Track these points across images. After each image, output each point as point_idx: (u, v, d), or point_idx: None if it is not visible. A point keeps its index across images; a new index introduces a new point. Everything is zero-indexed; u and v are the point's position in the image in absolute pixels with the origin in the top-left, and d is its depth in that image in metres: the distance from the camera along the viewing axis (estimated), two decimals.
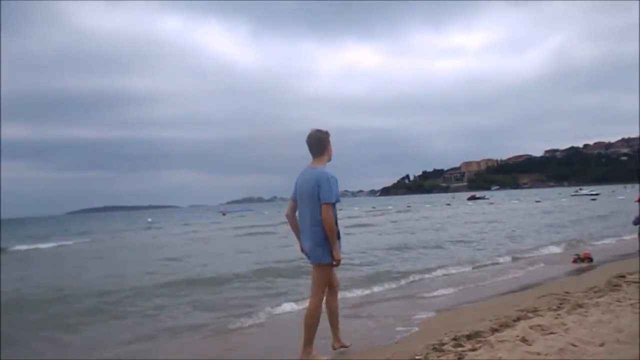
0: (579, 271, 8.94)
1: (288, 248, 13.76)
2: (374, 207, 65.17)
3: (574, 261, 9.71)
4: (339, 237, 4.20)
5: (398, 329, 5.60)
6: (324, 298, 4.35)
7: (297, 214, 4.44)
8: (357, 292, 8.03)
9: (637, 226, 10.62)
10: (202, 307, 7.63)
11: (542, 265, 10.08)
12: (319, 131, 4.39)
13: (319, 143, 4.36)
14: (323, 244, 4.14)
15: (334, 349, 4.52)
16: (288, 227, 4.61)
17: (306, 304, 4.49)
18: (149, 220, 64.30)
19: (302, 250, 4.37)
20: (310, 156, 4.37)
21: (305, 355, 4.22)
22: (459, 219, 29.12)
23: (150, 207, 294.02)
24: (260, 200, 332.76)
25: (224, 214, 71.86)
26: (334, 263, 4.20)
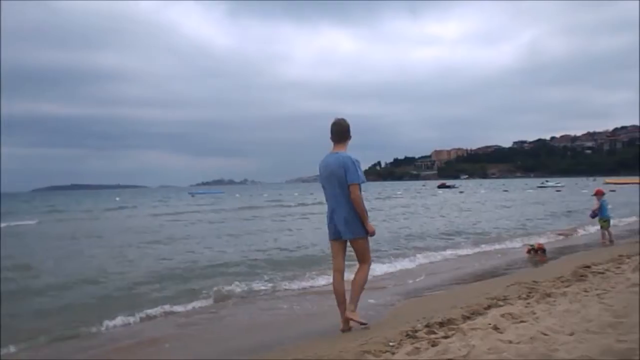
0: (537, 262, 9.16)
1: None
2: None
3: (528, 252, 9.90)
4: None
5: (369, 313, 5.64)
6: (342, 273, 4.82)
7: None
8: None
9: (595, 218, 11.02)
10: None
11: (500, 255, 10.32)
12: (345, 120, 4.83)
13: (345, 131, 4.80)
14: (356, 221, 4.62)
15: (346, 319, 4.81)
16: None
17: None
18: (117, 199, 63.12)
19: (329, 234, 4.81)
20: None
21: (349, 313, 4.71)
22: (429, 209, 29.49)
23: (118, 186, 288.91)
24: (231, 182, 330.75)
25: (192, 196, 70.99)
26: (370, 234, 4.73)
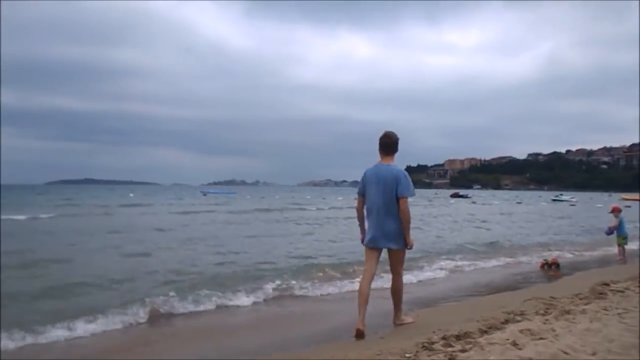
0: (550, 277, 9.03)
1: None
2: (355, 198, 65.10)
3: (542, 267, 9.77)
4: None
5: (383, 322, 5.59)
6: (372, 276, 5.05)
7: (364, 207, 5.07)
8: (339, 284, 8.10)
9: (611, 235, 10.85)
10: None
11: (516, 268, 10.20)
12: (394, 133, 5.05)
13: (395, 144, 5.05)
14: (399, 232, 4.84)
15: (395, 324, 5.25)
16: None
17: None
18: (131, 195, 63.58)
19: (367, 241, 5.00)
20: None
21: (397, 320, 5.20)
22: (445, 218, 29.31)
23: (131, 182, 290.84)
24: (243, 183, 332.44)
25: (204, 195, 71.27)
26: (409, 247, 4.95)
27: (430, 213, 31.80)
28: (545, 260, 9.94)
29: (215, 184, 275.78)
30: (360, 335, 4.82)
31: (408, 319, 5.31)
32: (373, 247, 4.96)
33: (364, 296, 4.88)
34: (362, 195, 5.08)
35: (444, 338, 4.05)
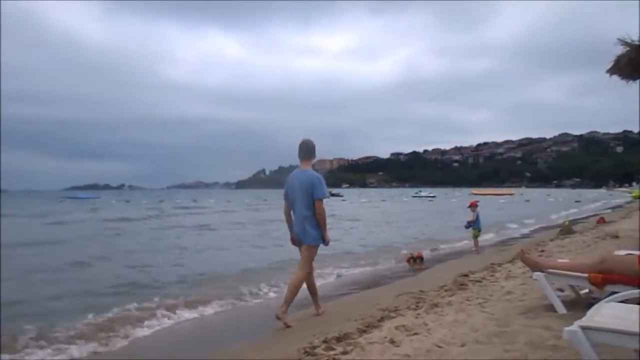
0: (416, 270, 9.66)
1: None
2: (229, 201, 64.28)
3: (407, 261, 10.35)
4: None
5: (260, 326, 5.53)
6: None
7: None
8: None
9: (469, 229, 11.96)
10: None
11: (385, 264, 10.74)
12: (311, 141, 5.68)
13: (311, 150, 5.66)
14: (314, 230, 5.35)
15: (318, 315, 5.70)
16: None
17: None
18: None
19: (293, 239, 5.56)
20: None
21: (281, 312, 5.26)
22: None
23: None
24: (107, 187, 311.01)
25: (62, 201, 65.30)
26: (325, 244, 5.49)
27: None
28: (410, 254, 10.56)
29: (75, 188, 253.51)
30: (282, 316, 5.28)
31: (286, 319, 5.34)
32: (298, 245, 5.50)
33: (308, 286, 5.61)
34: (286, 199, 5.59)
35: (325, 341, 4.06)
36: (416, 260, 10.25)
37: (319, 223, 5.35)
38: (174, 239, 17.14)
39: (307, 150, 5.60)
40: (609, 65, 4.74)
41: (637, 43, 4.11)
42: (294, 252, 5.99)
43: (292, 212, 5.54)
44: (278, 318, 5.28)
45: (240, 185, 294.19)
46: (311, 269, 5.58)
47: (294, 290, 5.35)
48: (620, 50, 4.41)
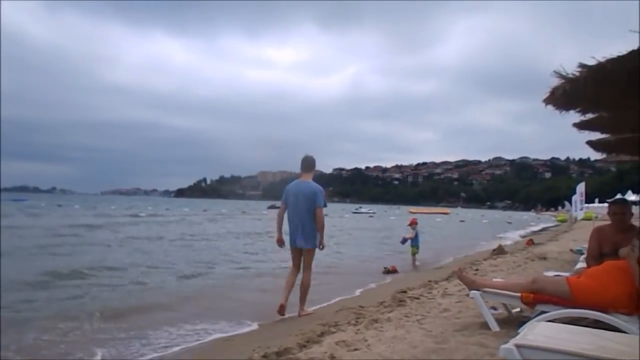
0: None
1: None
2: (167, 209, 62.55)
3: (383, 272, 10.83)
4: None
5: (193, 343, 5.38)
6: (298, 270, 6.32)
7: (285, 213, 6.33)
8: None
9: (404, 244, 12.29)
10: None
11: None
12: (312, 156, 6.50)
13: (312, 164, 6.46)
14: (315, 235, 6.12)
15: (300, 315, 6.24)
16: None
17: None
18: None
19: (279, 239, 6.37)
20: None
21: (301, 311, 6.29)
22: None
23: None
24: (36, 190, 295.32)
25: None
26: (321, 248, 6.27)
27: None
28: (385, 267, 11.06)
29: (2, 190, 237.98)
30: (282, 309, 6.11)
31: (309, 310, 6.43)
32: (294, 247, 6.22)
33: (288, 284, 6.26)
34: (284, 203, 6.33)
35: (264, 356, 4.00)
36: (390, 272, 10.81)
37: (318, 228, 6.12)
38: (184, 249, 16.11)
39: (308, 164, 6.42)
40: (545, 95, 4.97)
41: (570, 76, 4.35)
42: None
43: (286, 217, 6.30)
44: (304, 315, 6.20)
45: (180, 193, 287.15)
46: (295, 268, 6.32)
47: (306, 291, 6.31)
48: (556, 82, 4.63)
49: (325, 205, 6.20)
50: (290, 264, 6.52)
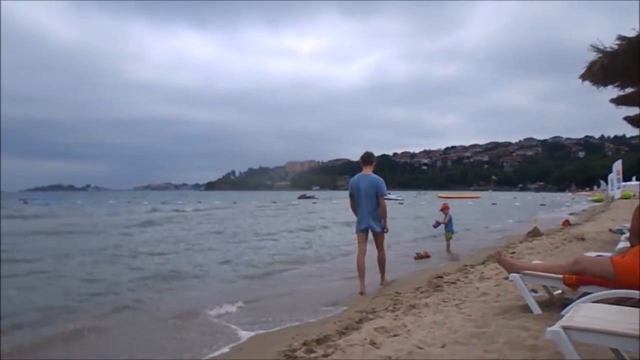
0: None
1: None
2: (199, 202, 63.42)
3: (415, 258, 10.74)
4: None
5: (239, 333, 5.45)
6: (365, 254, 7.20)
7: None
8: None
9: (437, 228, 12.19)
10: None
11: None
12: (371, 152, 7.47)
13: (371, 158, 7.38)
14: (380, 220, 7.12)
15: (382, 284, 7.44)
16: None
17: None
18: None
19: (358, 228, 7.21)
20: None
21: (383, 281, 7.53)
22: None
23: None
24: (71, 188, 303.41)
25: (25, 202, 63.28)
26: (386, 231, 7.26)
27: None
28: (418, 253, 11.00)
29: (38, 189, 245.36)
30: (362, 294, 6.84)
31: (387, 280, 7.56)
32: (363, 230, 7.11)
33: (361, 269, 7.06)
34: (352, 196, 7.24)
35: (304, 344, 4.03)
36: (423, 257, 10.76)
37: (382, 214, 7.08)
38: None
39: (368, 158, 7.30)
40: (582, 71, 4.84)
41: (609, 50, 4.22)
42: None
43: (357, 206, 7.16)
44: (386, 284, 7.37)
45: (210, 186, 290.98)
46: (362, 249, 7.14)
47: (384, 265, 7.50)
48: (593, 56, 4.50)
49: (387, 194, 7.20)
50: (356, 249, 7.35)
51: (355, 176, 7.27)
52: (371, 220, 7.05)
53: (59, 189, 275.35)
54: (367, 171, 7.21)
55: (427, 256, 10.79)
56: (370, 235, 7.22)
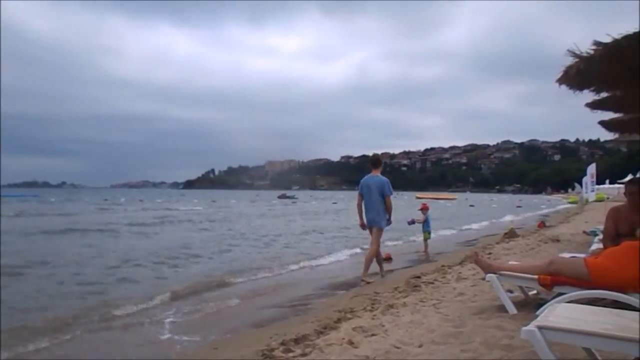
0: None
1: None
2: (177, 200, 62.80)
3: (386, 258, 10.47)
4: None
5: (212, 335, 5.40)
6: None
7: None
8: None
9: (411, 226, 12.20)
10: None
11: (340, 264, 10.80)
12: (378, 154, 8.56)
13: (378, 161, 8.13)
14: (384, 217, 7.70)
15: (382, 276, 8.09)
16: None
17: None
18: None
19: (362, 224, 7.91)
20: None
21: (364, 277, 7.65)
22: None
23: None
24: (46, 185, 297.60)
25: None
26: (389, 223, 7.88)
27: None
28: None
29: (11, 186, 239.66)
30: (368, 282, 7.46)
31: (368, 279, 7.65)
32: (371, 226, 7.72)
33: (368, 260, 7.77)
34: (361, 194, 7.81)
35: (282, 343, 4.02)
36: (385, 260, 10.32)
37: (388, 212, 7.68)
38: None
39: (376, 161, 8.02)
40: (559, 75, 4.90)
41: (585, 55, 4.29)
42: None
43: (363, 205, 7.79)
44: (363, 280, 7.57)
45: (189, 185, 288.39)
46: (378, 245, 7.81)
47: (370, 260, 7.77)
48: (570, 61, 4.57)
49: (392, 194, 7.69)
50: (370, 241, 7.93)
51: (365, 177, 7.88)
52: (377, 217, 7.62)
53: (33, 185, 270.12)
54: (376, 173, 7.82)
55: (388, 258, 10.48)
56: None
